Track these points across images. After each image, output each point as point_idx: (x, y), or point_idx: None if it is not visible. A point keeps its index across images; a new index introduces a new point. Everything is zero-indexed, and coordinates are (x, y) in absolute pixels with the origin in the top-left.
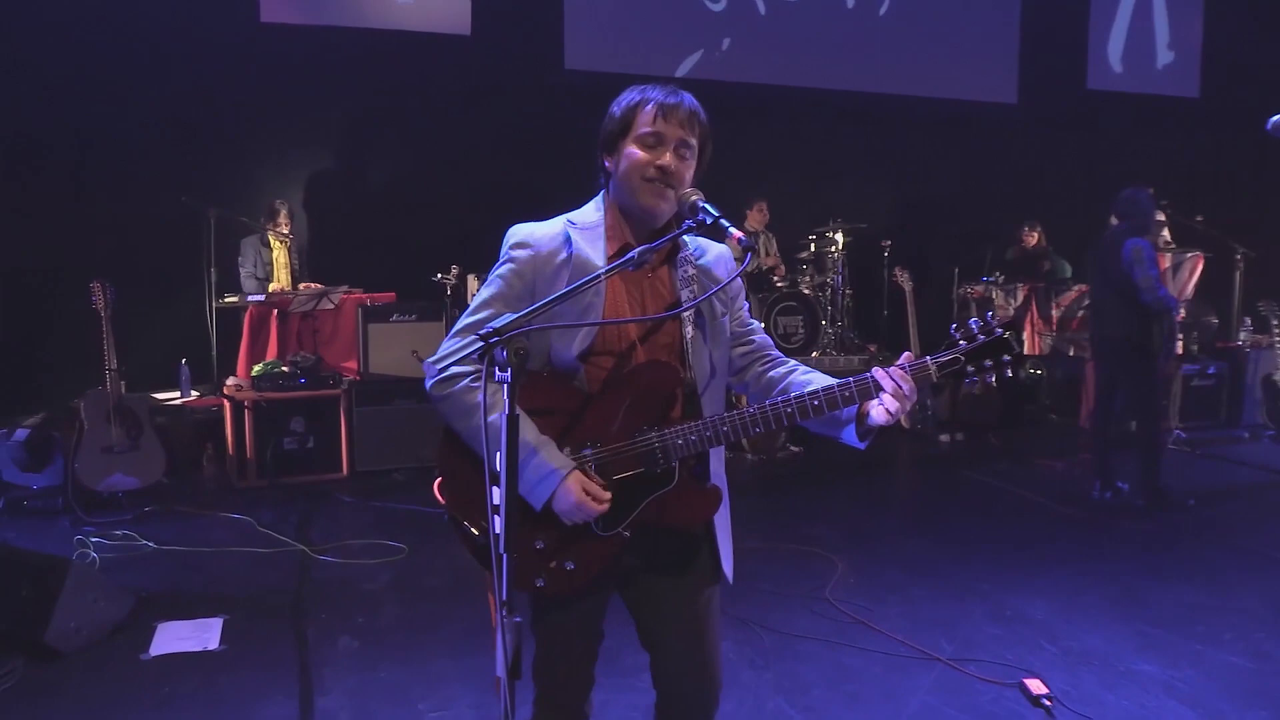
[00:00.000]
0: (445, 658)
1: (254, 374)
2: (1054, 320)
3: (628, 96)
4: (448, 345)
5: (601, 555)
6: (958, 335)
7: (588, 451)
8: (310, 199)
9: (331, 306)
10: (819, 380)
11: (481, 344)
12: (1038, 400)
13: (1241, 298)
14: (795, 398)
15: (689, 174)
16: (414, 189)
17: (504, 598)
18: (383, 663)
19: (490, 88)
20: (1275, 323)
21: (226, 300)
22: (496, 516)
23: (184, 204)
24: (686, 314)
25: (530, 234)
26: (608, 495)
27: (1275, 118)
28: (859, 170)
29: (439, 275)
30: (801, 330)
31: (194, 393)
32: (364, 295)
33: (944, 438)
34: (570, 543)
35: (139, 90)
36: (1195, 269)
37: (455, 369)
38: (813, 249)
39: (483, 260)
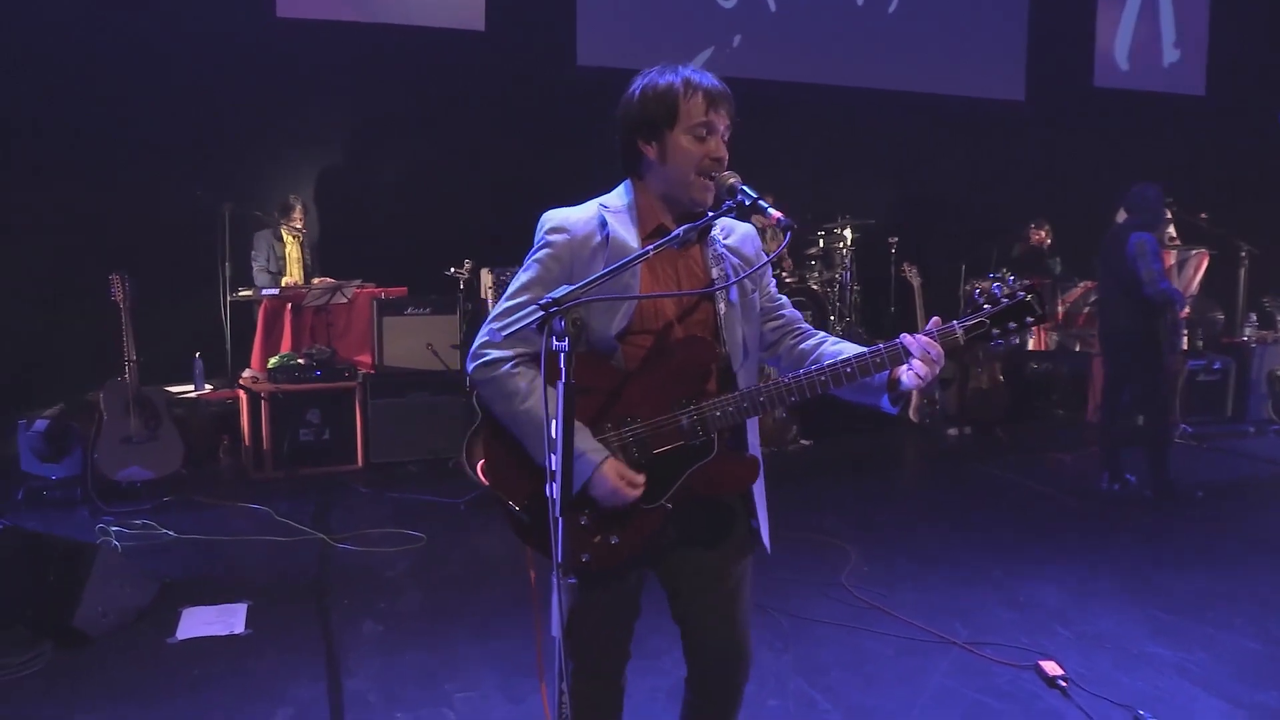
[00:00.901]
0: (470, 641)
1: (270, 366)
2: (1060, 316)
3: (663, 79)
4: (486, 331)
5: (645, 528)
6: (981, 300)
7: (628, 427)
8: (323, 193)
9: (345, 300)
10: (849, 349)
11: (541, 313)
12: (1045, 395)
13: (1245, 294)
14: (829, 365)
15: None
16: (426, 184)
17: (559, 560)
18: (408, 646)
19: (503, 83)
20: None
21: (240, 294)
22: (553, 482)
23: (199, 198)
24: (720, 292)
25: (565, 218)
26: (641, 479)
27: None
28: (867, 166)
29: (452, 269)
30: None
31: (207, 386)
32: (377, 289)
33: (952, 432)
34: (615, 517)
35: (156, 84)
36: (1200, 266)
37: (496, 354)
38: (821, 245)
39: (495, 254)
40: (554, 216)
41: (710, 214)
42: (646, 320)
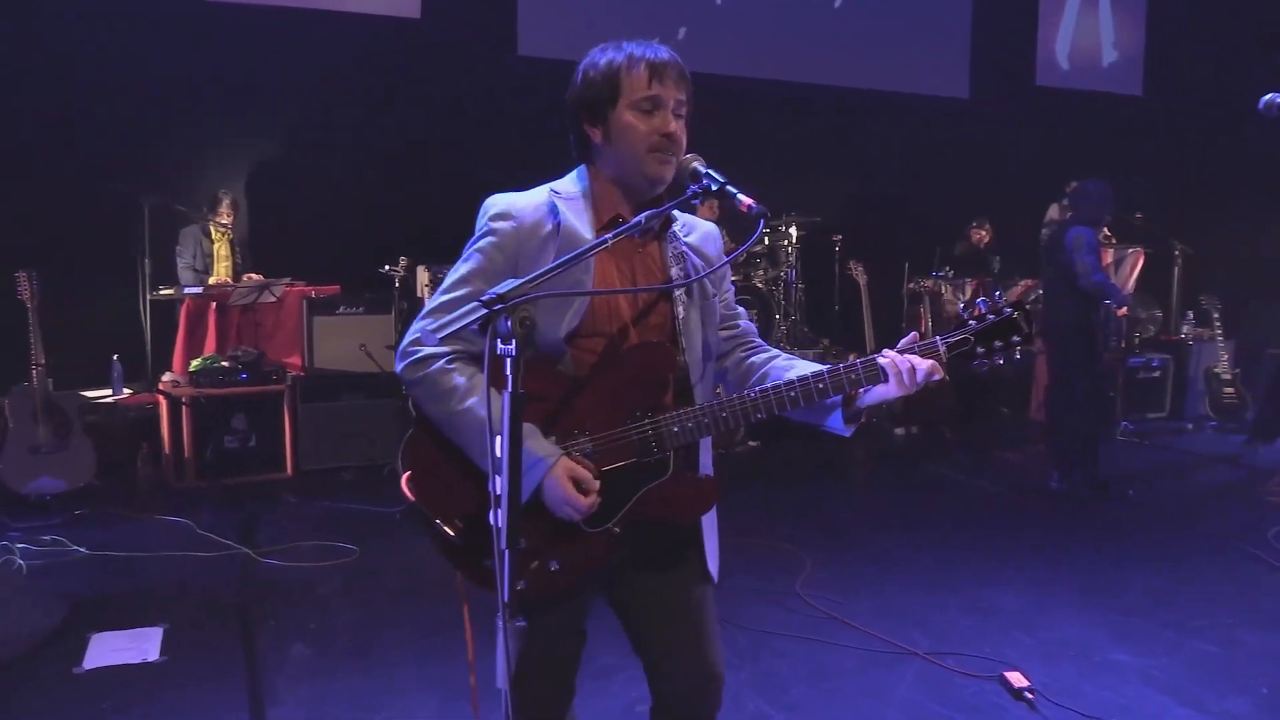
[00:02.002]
0: (405, 664)
1: (192, 369)
2: None
3: (605, 56)
4: (418, 328)
5: (589, 554)
6: (966, 315)
7: (576, 441)
8: (252, 187)
9: (273, 299)
10: (801, 367)
11: (484, 311)
12: (989, 394)
13: (1179, 293)
14: (799, 380)
15: (685, 136)
16: (360, 177)
17: (505, 599)
18: (339, 671)
19: (440, 74)
20: (1216, 317)
21: (161, 293)
22: (496, 509)
23: (116, 191)
24: (679, 294)
25: (512, 204)
26: (597, 484)
27: (1266, 97)
28: (812, 163)
29: (386, 267)
30: (755, 324)
31: (126, 390)
32: (307, 287)
33: (899, 431)
34: (556, 541)
35: (73, 70)
36: (1135, 264)
37: (428, 350)
38: (766, 242)
39: (432, 251)
40: (499, 201)
41: (671, 202)
42: (600, 321)
